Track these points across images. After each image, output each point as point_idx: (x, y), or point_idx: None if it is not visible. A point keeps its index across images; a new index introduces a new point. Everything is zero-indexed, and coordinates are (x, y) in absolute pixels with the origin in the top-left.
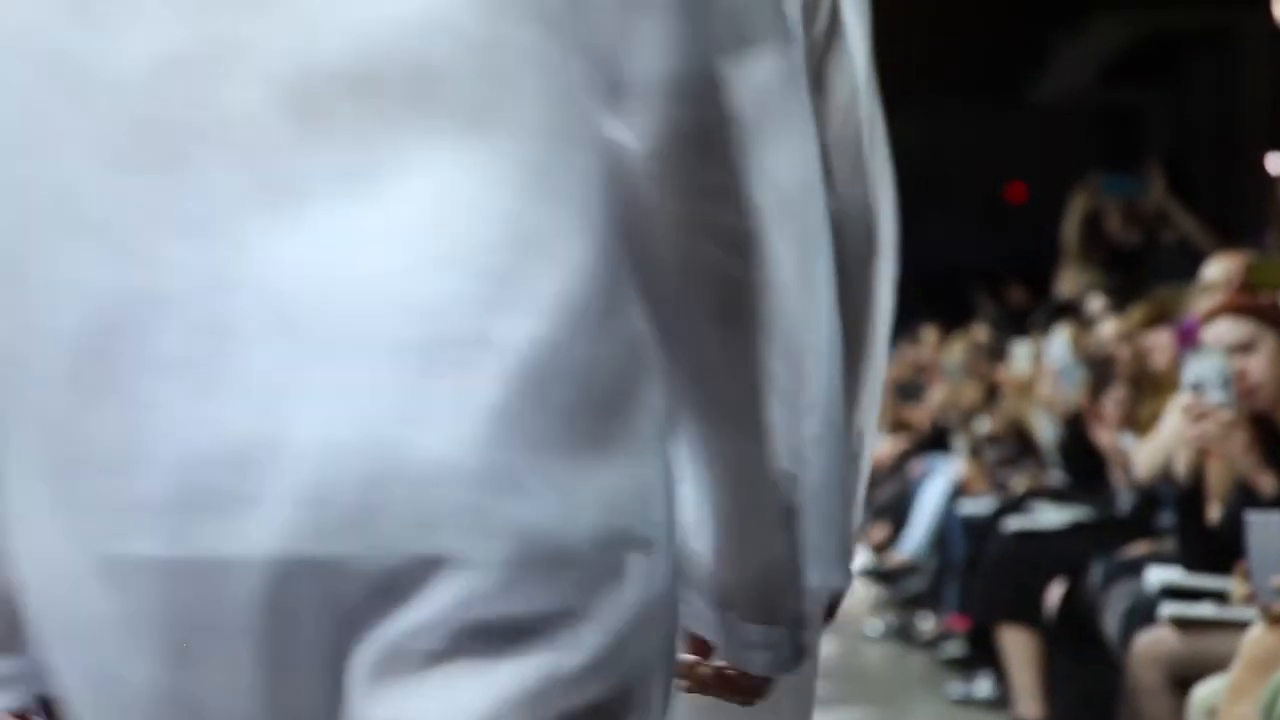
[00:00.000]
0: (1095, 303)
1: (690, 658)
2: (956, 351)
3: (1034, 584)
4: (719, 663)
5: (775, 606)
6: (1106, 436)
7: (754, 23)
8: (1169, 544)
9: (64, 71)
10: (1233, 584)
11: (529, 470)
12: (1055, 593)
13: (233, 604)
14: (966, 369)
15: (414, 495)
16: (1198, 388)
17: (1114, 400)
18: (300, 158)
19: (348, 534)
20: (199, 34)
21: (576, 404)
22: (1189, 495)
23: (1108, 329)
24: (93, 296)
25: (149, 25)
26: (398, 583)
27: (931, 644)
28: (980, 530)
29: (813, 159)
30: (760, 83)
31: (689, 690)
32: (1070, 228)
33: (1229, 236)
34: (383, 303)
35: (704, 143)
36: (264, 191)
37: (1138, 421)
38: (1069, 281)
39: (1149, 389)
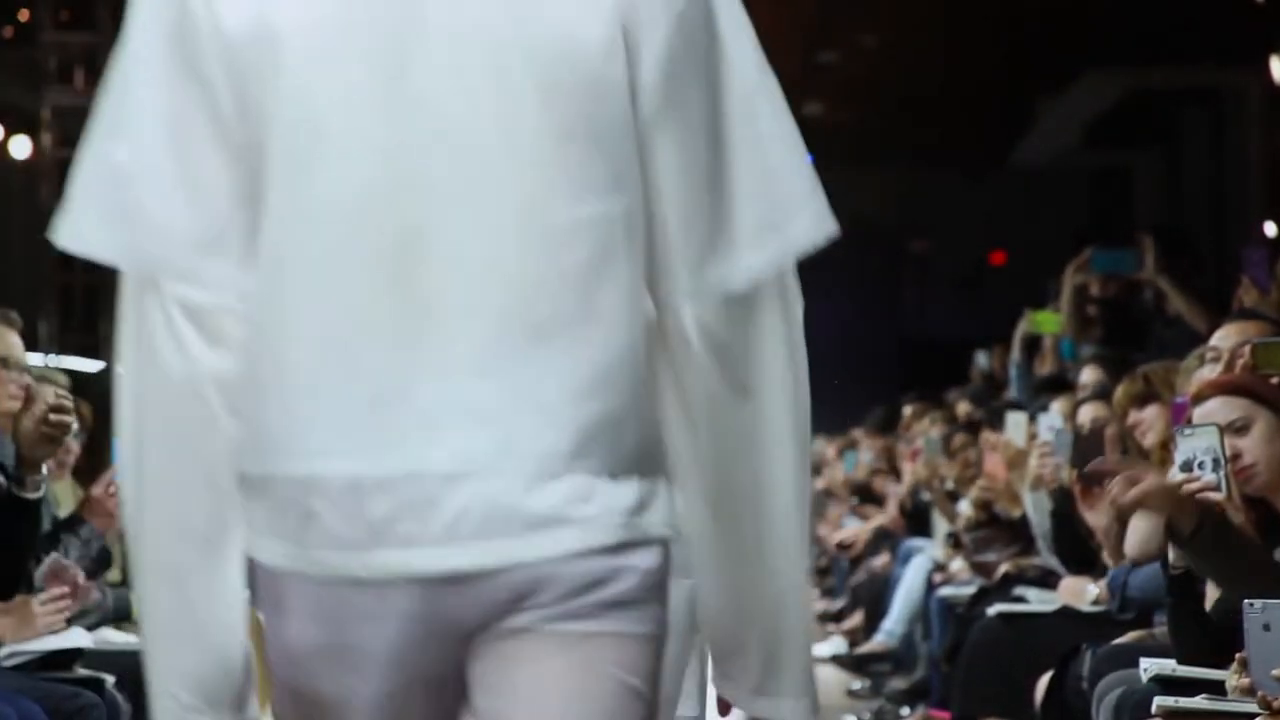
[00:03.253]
0: (1089, 376)
1: None
2: (935, 426)
3: (1019, 674)
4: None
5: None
6: (1096, 517)
7: None
8: (1163, 632)
9: None
10: (1229, 675)
11: None
12: (1042, 684)
13: None
14: (945, 444)
15: None
16: (1188, 466)
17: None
18: None
19: None
20: None
21: None
22: (1182, 580)
23: (1093, 408)
24: None
25: None
26: None
27: None
28: (962, 616)
29: None
30: None
31: None
32: (1064, 303)
33: (1224, 306)
34: None
35: None
36: None
37: None
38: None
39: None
